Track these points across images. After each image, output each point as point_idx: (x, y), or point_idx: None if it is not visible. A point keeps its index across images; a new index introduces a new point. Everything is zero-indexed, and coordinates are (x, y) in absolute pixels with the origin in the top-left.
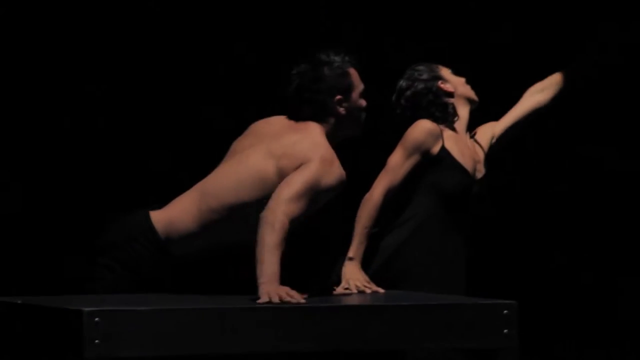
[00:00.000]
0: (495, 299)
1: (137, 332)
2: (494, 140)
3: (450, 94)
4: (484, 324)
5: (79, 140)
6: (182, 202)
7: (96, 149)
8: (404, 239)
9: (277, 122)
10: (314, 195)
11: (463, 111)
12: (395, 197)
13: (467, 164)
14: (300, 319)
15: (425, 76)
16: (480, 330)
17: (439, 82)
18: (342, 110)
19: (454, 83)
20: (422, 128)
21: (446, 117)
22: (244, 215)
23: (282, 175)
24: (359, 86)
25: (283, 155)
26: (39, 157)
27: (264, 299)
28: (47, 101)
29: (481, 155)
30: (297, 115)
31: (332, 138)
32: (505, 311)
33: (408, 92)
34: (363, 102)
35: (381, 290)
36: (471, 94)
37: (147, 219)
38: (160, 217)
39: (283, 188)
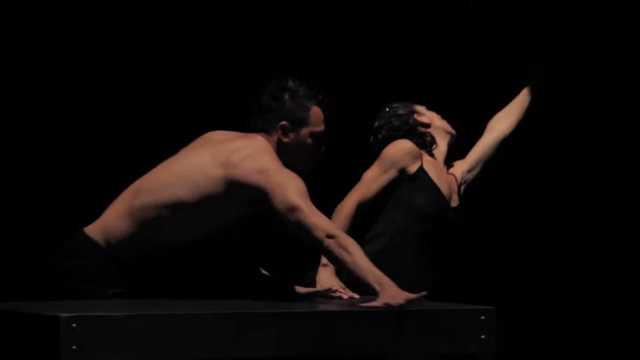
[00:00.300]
0: (473, 304)
1: (115, 338)
2: (465, 176)
3: (427, 125)
4: (461, 330)
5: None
6: (114, 206)
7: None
8: (379, 249)
9: (229, 133)
10: (296, 188)
11: (441, 143)
12: (367, 211)
13: (443, 188)
14: (280, 324)
15: (400, 111)
16: (458, 335)
17: (415, 115)
18: (285, 138)
19: (430, 116)
20: (400, 146)
21: (425, 144)
22: (182, 213)
23: (220, 178)
24: (315, 126)
25: (224, 159)
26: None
27: (388, 302)
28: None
29: (455, 187)
30: (250, 128)
31: (280, 160)
32: (482, 317)
33: (384, 131)
34: (310, 141)
35: (356, 296)
36: (447, 126)
37: (83, 234)
38: (95, 228)
39: (292, 215)
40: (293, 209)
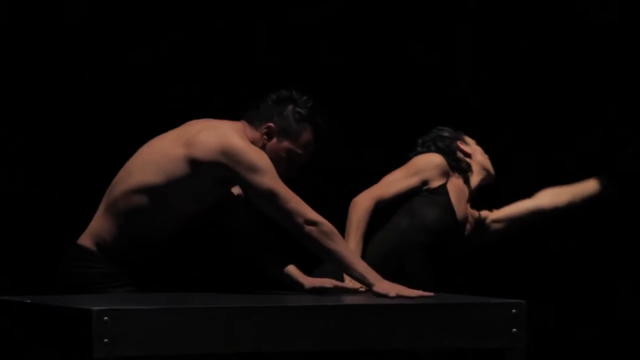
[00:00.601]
0: (504, 298)
1: (146, 331)
2: (488, 221)
3: (467, 155)
4: (492, 324)
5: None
6: (98, 209)
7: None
8: (382, 254)
9: (206, 120)
10: (270, 171)
11: (475, 177)
12: (378, 212)
13: (459, 212)
14: (308, 318)
15: (446, 134)
16: (488, 329)
17: (459, 142)
18: (266, 139)
19: (474, 149)
20: (431, 158)
21: (458, 167)
22: (153, 197)
23: (181, 158)
24: (298, 146)
25: (186, 139)
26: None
27: (384, 292)
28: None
29: (472, 220)
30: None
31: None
32: (514, 310)
33: (424, 147)
34: (285, 156)
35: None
36: (488, 164)
37: (76, 246)
38: (86, 236)
39: (268, 200)
40: (269, 193)
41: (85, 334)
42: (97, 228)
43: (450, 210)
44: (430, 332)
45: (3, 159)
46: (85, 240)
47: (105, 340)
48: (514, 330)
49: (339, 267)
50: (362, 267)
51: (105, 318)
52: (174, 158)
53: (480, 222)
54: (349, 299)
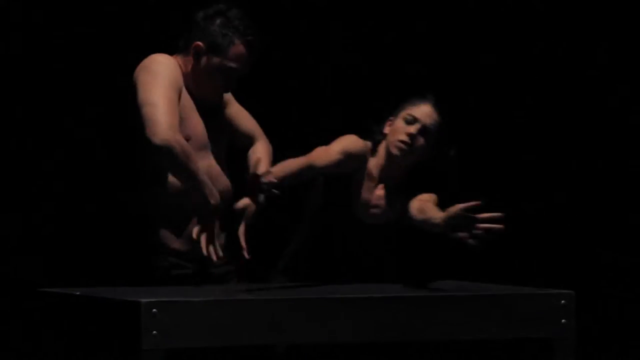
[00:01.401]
0: (553, 289)
1: (194, 323)
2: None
3: (383, 135)
4: (541, 314)
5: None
6: None
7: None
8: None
9: None
10: (160, 86)
11: (379, 160)
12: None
13: (363, 196)
14: (353, 309)
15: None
16: (537, 320)
17: (389, 119)
18: (195, 61)
19: (396, 127)
20: (350, 139)
21: (374, 148)
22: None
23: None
24: (230, 61)
25: None
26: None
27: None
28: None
29: (385, 203)
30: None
31: (192, 86)
32: (563, 301)
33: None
34: (218, 74)
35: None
36: (393, 148)
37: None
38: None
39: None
40: (144, 104)
41: (134, 325)
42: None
43: (343, 195)
44: (480, 323)
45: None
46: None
47: (154, 332)
48: (563, 320)
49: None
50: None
51: (154, 310)
52: None
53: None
54: (402, 291)
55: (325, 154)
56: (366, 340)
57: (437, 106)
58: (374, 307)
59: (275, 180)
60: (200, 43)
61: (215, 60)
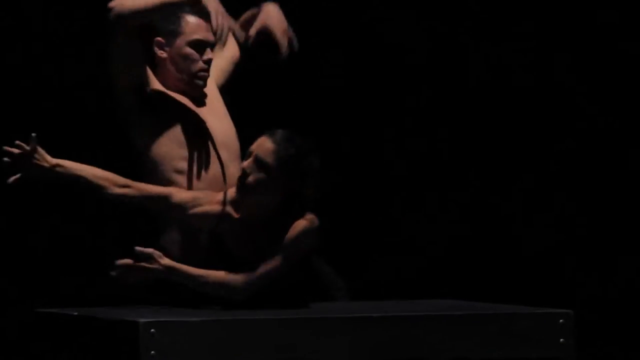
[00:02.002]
0: (551, 308)
1: (193, 343)
2: None
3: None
4: (540, 333)
5: None
6: None
7: None
8: None
9: None
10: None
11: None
12: None
13: None
14: (355, 329)
15: None
16: (536, 339)
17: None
18: (162, 55)
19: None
20: None
21: None
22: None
23: None
24: (191, 34)
25: None
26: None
27: None
28: None
29: None
30: None
31: (178, 85)
32: (561, 320)
33: None
34: (187, 50)
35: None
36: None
37: None
38: None
39: None
40: None
41: (132, 346)
42: None
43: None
44: (477, 342)
45: None
46: None
47: (152, 352)
48: (561, 340)
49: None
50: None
51: (152, 330)
52: None
53: None
54: (395, 311)
55: None
56: None
57: (285, 139)
58: (371, 326)
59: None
60: (158, 38)
61: (178, 42)
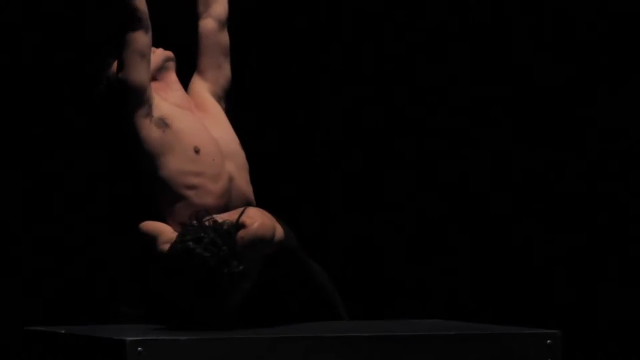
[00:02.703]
0: (538, 328)
1: None
2: None
3: None
4: (526, 354)
5: None
6: None
7: None
8: None
9: None
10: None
11: None
12: None
13: None
14: (347, 348)
15: None
16: (523, 359)
17: None
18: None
19: None
20: None
21: None
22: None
23: None
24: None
25: None
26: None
27: None
28: None
29: None
30: None
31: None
32: (548, 341)
33: None
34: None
35: None
36: None
37: None
38: None
39: None
40: None
41: None
42: None
43: None
44: None
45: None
46: None
47: None
48: None
49: None
50: None
51: (140, 349)
52: None
53: None
54: (383, 330)
55: None
56: None
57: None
58: (362, 345)
59: None
60: (110, 64)
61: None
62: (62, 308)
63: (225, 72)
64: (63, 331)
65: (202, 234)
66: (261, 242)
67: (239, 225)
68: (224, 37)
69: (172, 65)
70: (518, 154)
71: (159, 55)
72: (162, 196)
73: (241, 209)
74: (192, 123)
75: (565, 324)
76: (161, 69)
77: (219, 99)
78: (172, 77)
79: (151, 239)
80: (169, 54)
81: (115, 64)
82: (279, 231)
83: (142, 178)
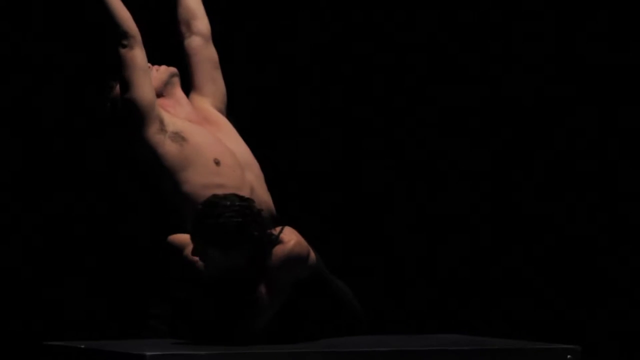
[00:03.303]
0: (558, 343)
1: None
2: None
3: None
4: None
5: None
6: None
7: None
8: None
9: None
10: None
11: None
12: None
13: None
14: None
15: None
16: None
17: None
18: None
19: None
20: None
21: None
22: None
23: None
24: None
25: None
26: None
27: None
28: None
29: None
30: None
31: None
32: (569, 356)
33: None
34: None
35: None
36: None
37: None
38: None
39: None
40: None
41: None
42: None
43: None
44: None
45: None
46: None
47: None
48: None
49: None
50: None
51: None
52: None
53: None
54: (397, 345)
55: None
56: None
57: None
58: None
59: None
60: (113, 82)
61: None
62: (91, 323)
63: (220, 84)
64: (83, 346)
65: (227, 203)
66: (296, 260)
67: (276, 240)
68: (212, 51)
69: (177, 80)
70: None
71: (163, 71)
72: (187, 210)
73: (279, 227)
74: (207, 136)
75: (585, 339)
76: (167, 84)
77: (220, 112)
78: (179, 92)
79: (179, 251)
80: (174, 69)
81: (117, 87)
82: (312, 255)
83: (165, 194)
